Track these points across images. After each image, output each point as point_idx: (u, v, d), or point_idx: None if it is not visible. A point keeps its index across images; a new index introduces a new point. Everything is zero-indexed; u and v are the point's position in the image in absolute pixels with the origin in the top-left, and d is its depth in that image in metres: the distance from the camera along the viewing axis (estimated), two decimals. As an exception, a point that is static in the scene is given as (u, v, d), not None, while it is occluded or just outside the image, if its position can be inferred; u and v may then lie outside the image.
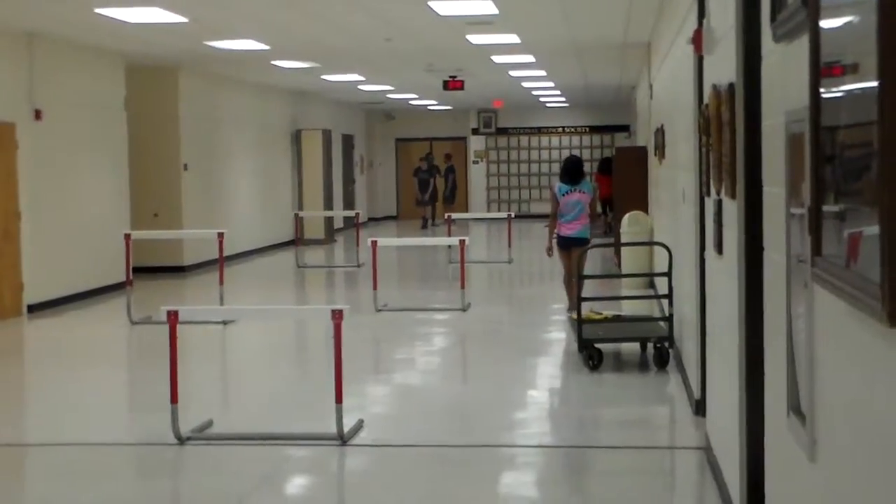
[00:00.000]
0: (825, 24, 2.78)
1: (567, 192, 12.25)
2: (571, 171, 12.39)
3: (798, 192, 3.31)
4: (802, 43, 3.21)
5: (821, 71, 2.82)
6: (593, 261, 17.85)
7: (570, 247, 12.18)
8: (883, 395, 2.43)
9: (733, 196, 5.31)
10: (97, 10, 12.38)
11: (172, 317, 7.24)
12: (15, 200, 13.73)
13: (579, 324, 9.71)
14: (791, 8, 3.38)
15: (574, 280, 11.28)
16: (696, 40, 6.72)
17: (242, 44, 15.66)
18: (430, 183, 30.69)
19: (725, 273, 5.74)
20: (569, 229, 12.22)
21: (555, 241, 12.46)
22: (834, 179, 2.76)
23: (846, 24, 2.60)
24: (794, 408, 3.41)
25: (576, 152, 31.75)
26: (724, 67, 5.68)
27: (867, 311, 2.39)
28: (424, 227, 29.96)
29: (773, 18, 3.81)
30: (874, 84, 2.22)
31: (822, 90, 2.83)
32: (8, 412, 9.09)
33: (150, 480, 6.93)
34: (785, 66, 3.70)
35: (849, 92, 2.62)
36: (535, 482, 6.59)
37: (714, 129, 5.86)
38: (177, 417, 7.23)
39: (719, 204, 5.88)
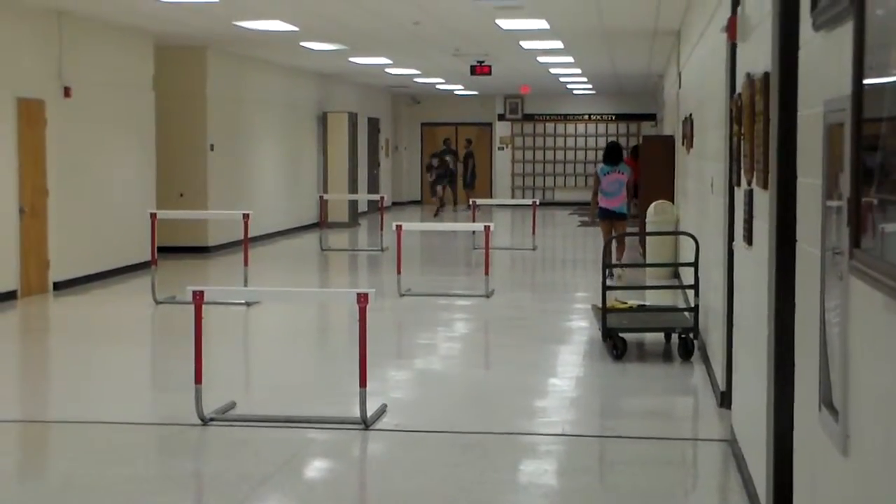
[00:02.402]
0: (871, 12, 2.74)
1: (608, 173, 14.80)
2: (612, 155, 14.96)
3: (835, 184, 3.27)
4: (844, 31, 3.17)
5: (865, 60, 2.77)
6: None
7: (611, 218, 14.75)
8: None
9: (765, 186, 5.25)
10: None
11: (198, 297, 7.23)
12: (43, 177, 13.75)
13: (603, 313, 9.65)
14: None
15: (612, 248, 13.62)
16: (731, 28, 6.66)
17: (271, 24, 15.63)
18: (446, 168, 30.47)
19: (755, 264, 5.69)
20: (610, 204, 14.74)
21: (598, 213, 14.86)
22: (874, 171, 2.71)
23: (893, 12, 2.55)
24: (826, 402, 3.37)
25: (601, 140, 31.66)
26: (759, 56, 5.62)
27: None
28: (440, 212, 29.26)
29: (813, 6, 3.77)
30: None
31: (865, 80, 2.79)
32: (32, 389, 9.13)
33: (172, 460, 6.93)
34: (825, 55, 3.65)
35: (894, 83, 2.57)
36: (556, 471, 6.56)
37: (746, 118, 5.80)
38: (200, 398, 7.23)
39: (750, 194, 5.82)
